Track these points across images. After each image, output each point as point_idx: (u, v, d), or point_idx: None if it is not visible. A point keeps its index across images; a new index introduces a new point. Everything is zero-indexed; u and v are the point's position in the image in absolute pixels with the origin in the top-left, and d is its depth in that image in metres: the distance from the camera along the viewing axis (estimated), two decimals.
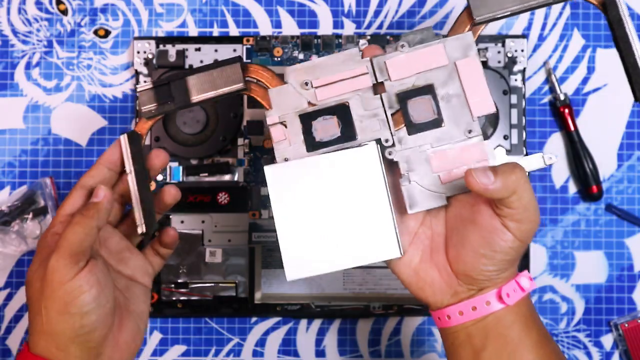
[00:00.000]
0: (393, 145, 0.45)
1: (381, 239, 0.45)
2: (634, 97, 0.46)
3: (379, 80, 0.46)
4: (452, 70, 0.45)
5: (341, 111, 0.46)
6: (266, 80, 0.47)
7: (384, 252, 0.45)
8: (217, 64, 0.47)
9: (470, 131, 0.45)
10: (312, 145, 0.46)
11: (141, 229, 0.47)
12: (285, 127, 0.46)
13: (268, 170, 0.45)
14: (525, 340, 0.44)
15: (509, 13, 0.45)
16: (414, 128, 0.45)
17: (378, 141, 0.45)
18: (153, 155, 0.49)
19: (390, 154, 0.45)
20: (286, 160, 0.46)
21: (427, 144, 0.45)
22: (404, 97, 0.45)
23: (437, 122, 0.45)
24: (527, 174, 0.42)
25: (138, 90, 0.48)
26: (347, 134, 0.46)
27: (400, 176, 0.45)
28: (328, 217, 0.45)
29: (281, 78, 0.47)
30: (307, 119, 0.46)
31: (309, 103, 0.46)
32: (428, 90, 0.45)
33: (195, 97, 0.47)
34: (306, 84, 0.46)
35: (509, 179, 0.41)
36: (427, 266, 0.46)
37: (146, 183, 0.47)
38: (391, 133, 0.45)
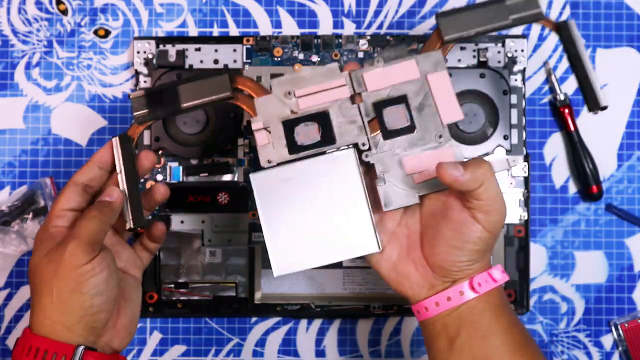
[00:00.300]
0: (369, 149, 0.49)
1: (361, 235, 0.48)
2: (588, 108, 0.51)
3: (357, 91, 0.49)
4: (423, 83, 0.49)
5: (321, 118, 0.49)
6: (252, 90, 0.50)
7: (363, 247, 0.48)
8: (206, 75, 0.50)
9: (440, 136, 0.48)
10: (294, 148, 0.48)
11: (129, 224, 0.50)
12: (269, 132, 0.49)
13: (253, 177, 0.48)
14: (495, 326, 0.47)
15: (474, 34, 0.50)
16: (388, 134, 0.49)
17: (355, 145, 0.49)
18: (142, 156, 0.51)
19: (367, 157, 0.49)
20: (269, 162, 0.48)
21: (401, 148, 0.49)
22: (379, 106, 0.49)
23: (410, 129, 0.49)
24: (493, 169, 0.46)
25: (131, 96, 0.50)
26: (327, 139, 0.49)
27: (376, 177, 0.48)
28: (311, 217, 0.48)
29: (266, 89, 0.50)
30: (289, 125, 0.49)
31: (292, 111, 0.49)
32: (402, 100, 0.49)
33: (185, 104, 0.50)
34: (289, 93, 0.49)
35: (477, 171, 0.44)
36: (405, 261, 0.49)
37: (135, 182, 0.50)
38: (368, 138, 0.49)
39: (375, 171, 0.49)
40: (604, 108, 0.49)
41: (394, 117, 0.49)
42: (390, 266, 0.50)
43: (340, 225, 0.48)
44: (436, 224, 0.48)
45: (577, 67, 0.51)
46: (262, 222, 0.48)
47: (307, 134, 0.49)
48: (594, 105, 0.50)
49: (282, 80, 0.49)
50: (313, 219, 0.48)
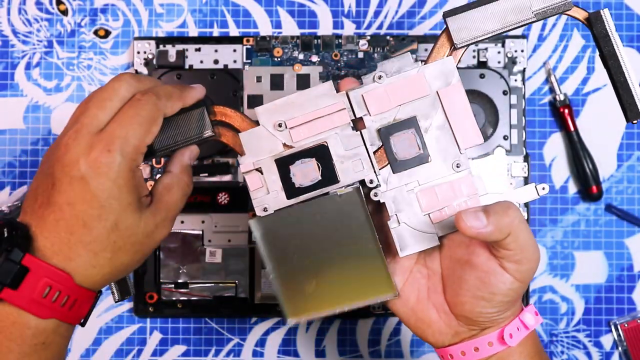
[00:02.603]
0: (378, 185, 0.43)
1: (374, 280, 0.43)
2: (625, 118, 0.43)
3: (358, 116, 0.43)
4: (434, 100, 0.43)
5: (320, 152, 0.43)
6: (235, 123, 0.44)
7: (378, 293, 0.43)
8: (182, 110, 0.43)
9: (458, 165, 0.43)
10: (292, 192, 0.43)
11: None
12: (262, 173, 0.43)
13: (253, 224, 0.43)
14: None
15: (489, 35, 0.43)
16: (398, 166, 0.43)
17: (362, 182, 0.43)
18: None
19: (376, 196, 0.43)
20: (265, 210, 0.43)
21: (414, 182, 0.43)
22: (385, 133, 0.43)
23: (422, 158, 0.43)
24: (521, 212, 0.41)
25: None
26: (328, 177, 0.43)
27: (388, 218, 0.43)
28: (320, 261, 0.43)
29: (252, 120, 0.44)
30: (284, 164, 0.43)
31: (285, 145, 0.43)
32: (411, 123, 0.43)
33: (159, 149, 0.43)
34: (280, 125, 0.43)
35: (502, 220, 0.39)
36: (425, 306, 0.45)
37: None
38: (375, 173, 0.43)
39: (387, 211, 0.43)
40: None
41: (404, 145, 0.42)
42: (409, 311, 0.45)
43: (351, 270, 0.43)
44: (460, 269, 0.43)
45: (613, 67, 0.42)
46: (269, 267, 0.44)
47: (305, 172, 0.43)
48: (635, 114, 0.42)
49: (270, 108, 0.43)
50: (323, 263, 0.43)
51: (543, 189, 0.43)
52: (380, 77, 0.43)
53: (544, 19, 0.43)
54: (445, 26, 0.43)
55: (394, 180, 0.43)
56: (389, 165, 0.43)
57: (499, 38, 0.65)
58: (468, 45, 0.43)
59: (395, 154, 0.43)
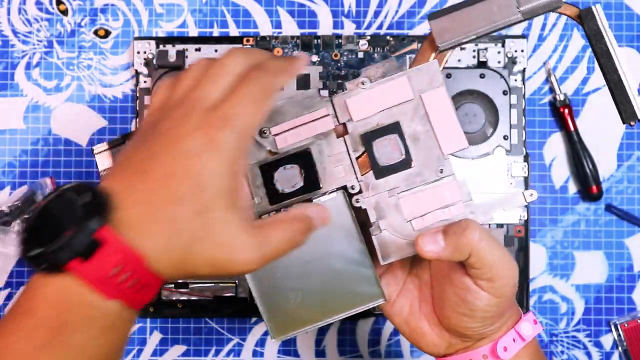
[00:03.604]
0: (360, 191, 0.42)
1: (362, 286, 0.43)
2: (621, 120, 0.42)
3: (341, 122, 0.43)
4: (418, 104, 0.42)
5: (303, 159, 0.43)
6: None
7: (367, 299, 0.43)
8: None
9: (441, 170, 0.42)
10: (275, 197, 0.43)
11: None
12: (246, 178, 0.43)
13: None
14: None
15: (474, 37, 0.42)
16: (381, 171, 0.42)
17: (344, 188, 0.43)
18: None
19: (357, 202, 0.42)
20: None
21: (397, 188, 0.42)
22: (368, 138, 0.42)
23: (405, 163, 0.42)
24: (482, 229, 0.39)
25: (95, 152, 0.47)
26: (311, 183, 0.43)
27: (370, 225, 0.42)
28: (305, 270, 0.43)
29: None
30: (267, 170, 0.43)
31: (269, 152, 0.43)
32: (394, 128, 0.42)
33: None
34: (264, 132, 0.43)
35: (460, 241, 0.39)
36: (417, 318, 0.45)
37: None
38: (357, 179, 0.43)
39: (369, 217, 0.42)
40: None
41: (386, 150, 0.42)
42: (402, 321, 0.45)
43: (338, 277, 0.43)
44: (442, 281, 0.42)
45: (606, 65, 0.40)
46: (250, 282, 0.43)
47: (288, 178, 0.42)
48: (630, 115, 0.40)
49: None
50: (307, 273, 0.43)
51: (531, 195, 0.42)
52: (363, 83, 0.42)
53: (532, 17, 0.42)
54: (429, 28, 0.43)
55: (377, 186, 0.42)
56: (371, 171, 0.43)
57: (499, 38, 0.65)
58: (453, 48, 0.43)
59: (377, 159, 0.42)
